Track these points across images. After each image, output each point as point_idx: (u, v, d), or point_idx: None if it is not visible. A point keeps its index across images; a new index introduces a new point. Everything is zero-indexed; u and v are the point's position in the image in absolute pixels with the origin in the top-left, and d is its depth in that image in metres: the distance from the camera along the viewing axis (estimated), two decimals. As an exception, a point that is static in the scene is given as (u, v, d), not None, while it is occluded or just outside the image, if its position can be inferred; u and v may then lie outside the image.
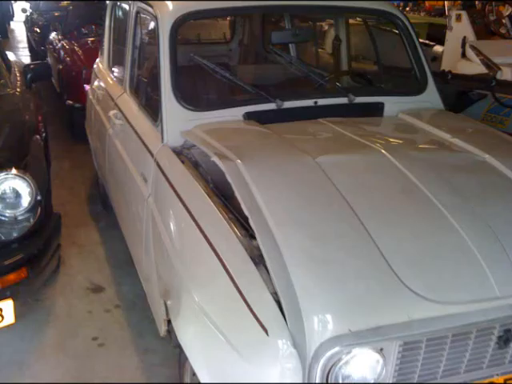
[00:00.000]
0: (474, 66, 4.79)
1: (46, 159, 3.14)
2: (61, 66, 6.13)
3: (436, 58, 5.64)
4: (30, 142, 2.98)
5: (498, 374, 1.68)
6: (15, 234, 2.49)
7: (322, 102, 2.60)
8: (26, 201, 2.51)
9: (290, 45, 3.75)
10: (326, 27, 5.50)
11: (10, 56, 4.43)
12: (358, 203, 1.84)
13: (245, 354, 1.54)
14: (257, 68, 3.84)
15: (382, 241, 1.70)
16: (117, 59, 3.56)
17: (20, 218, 2.50)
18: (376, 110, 2.68)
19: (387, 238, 1.73)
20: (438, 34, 6.17)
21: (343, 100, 2.63)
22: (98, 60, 4.13)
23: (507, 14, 5.91)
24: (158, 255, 2.25)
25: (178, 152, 2.35)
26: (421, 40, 3.36)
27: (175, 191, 2.14)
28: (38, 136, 3.15)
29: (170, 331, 2.12)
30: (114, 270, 3.42)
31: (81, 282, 3.29)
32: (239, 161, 2.01)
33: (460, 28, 5.51)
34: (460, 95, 3.79)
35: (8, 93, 3.55)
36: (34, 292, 2.81)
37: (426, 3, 7.95)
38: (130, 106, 2.94)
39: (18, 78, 3.85)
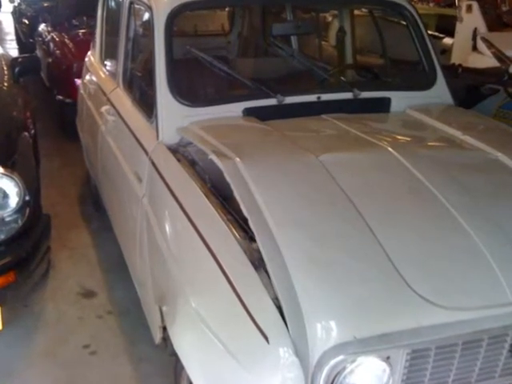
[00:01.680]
0: (485, 60, 4.80)
1: (34, 157, 3.14)
2: (50, 60, 6.12)
3: (445, 51, 5.65)
4: (18, 140, 2.97)
5: (510, 384, 1.68)
6: (2, 236, 2.49)
7: (325, 97, 2.60)
8: (13, 201, 2.51)
9: (292, 37, 3.75)
10: (330, 18, 5.51)
11: (-3, 49, 4.43)
12: (363, 203, 1.84)
13: (244, 362, 1.54)
14: (257, 61, 3.84)
15: (388, 242, 1.71)
16: (109, 52, 3.56)
17: (7, 219, 2.50)
18: (382, 105, 2.68)
19: (393, 240, 1.73)
20: (447, 26, 6.18)
21: (348, 95, 2.63)
22: (89, 53, 4.13)
23: (520, 4, 5.93)
24: (153, 259, 2.25)
25: (174, 150, 2.35)
26: (429, 32, 3.37)
27: (171, 191, 2.14)
28: (26, 133, 3.15)
29: (166, 339, 2.12)
30: (106, 275, 3.42)
31: (72, 286, 3.29)
32: (238, 159, 2.01)
33: (471, 19, 5.52)
34: (471, 90, 3.79)
35: (-5, 88, 3.56)
36: (22, 297, 2.81)
37: (435, -7, 7.95)
38: (124, 101, 2.94)
39: (6, 72, 3.84)
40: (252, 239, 1.78)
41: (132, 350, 2.77)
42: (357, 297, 1.56)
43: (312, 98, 2.59)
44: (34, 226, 2.65)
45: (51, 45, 6.31)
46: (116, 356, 2.74)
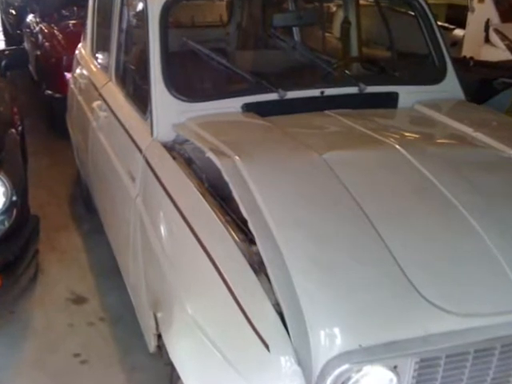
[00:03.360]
0: (498, 52, 4.81)
1: (22, 156, 3.15)
2: (39, 52, 6.13)
3: (456, 43, 5.65)
4: (5, 137, 2.98)
5: (524, 394, 1.68)
6: (-12, 239, 2.50)
7: (329, 91, 2.60)
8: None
9: (294, 29, 3.75)
10: (334, 9, 5.51)
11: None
12: (368, 204, 1.84)
13: (244, 372, 1.55)
14: (257, 54, 3.84)
15: (394, 244, 1.71)
16: (101, 44, 3.57)
17: (-7, 220, 2.51)
18: (389, 100, 2.68)
19: (400, 242, 1.73)
20: (458, 17, 6.19)
21: (353, 90, 2.63)
22: (80, 45, 4.14)
23: (535, -6, 5.93)
24: (147, 262, 2.25)
25: (170, 147, 2.35)
26: (439, 23, 3.36)
27: (166, 191, 2.14)
28: (13, 130, 3.16)
29: (161, 347, 2.13)
30: (98, 279, 3.42)
31: (61, 292, 3.29)
32: (237, 157, 2.02)
33: (483, 9, 5.53)
34: (483, 84, 3.80)
35: (-20, 82, 3.56)
36: (8, 303, 2.81)
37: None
38: (116, 96, 2.94)
39: (-9, 66, 3.85)
40: (252, 241, 1.78)
41: (125, 359, 2.77)
42: (362, 302, 1.56)
43: (315, 92, 2.59)
44: (21, 228, 2.66)
45: (40, 37, 6.31)
46: (108, 365, 2.74)
